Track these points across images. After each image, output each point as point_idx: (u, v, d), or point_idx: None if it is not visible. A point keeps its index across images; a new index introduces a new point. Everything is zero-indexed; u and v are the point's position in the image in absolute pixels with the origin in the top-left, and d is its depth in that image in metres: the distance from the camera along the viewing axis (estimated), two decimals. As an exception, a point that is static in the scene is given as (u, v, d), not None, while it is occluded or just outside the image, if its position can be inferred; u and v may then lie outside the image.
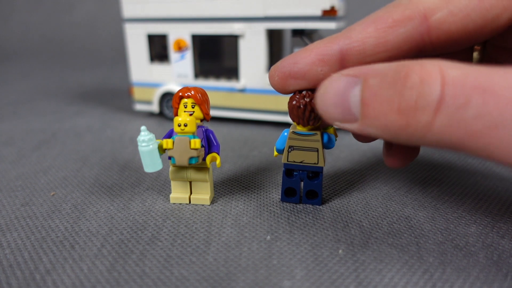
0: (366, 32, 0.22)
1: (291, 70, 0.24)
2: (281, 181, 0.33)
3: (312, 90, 0.25)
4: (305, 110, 0.25)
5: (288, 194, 0.30)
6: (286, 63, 0.24)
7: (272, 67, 0.25)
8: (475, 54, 0.27)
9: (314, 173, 0.29)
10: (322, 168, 0.28)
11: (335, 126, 0.21)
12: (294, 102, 0.25)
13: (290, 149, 0.28)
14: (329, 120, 0.21)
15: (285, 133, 0.28)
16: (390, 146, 0.28)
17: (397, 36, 0.21)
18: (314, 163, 0.28)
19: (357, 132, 0.19)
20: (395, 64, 0.18)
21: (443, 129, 0.16)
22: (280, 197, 0.31)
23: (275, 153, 0.29)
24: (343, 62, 0.23)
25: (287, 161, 0.28)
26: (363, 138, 0.28)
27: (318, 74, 0.24)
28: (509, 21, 0.20)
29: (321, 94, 0.21)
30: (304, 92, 0.25)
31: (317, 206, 0.29)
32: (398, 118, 0.17)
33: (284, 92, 0.26)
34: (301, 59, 0.24)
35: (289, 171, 0.29)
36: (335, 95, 0.20)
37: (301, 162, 0.28)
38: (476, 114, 0.15)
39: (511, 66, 0.16)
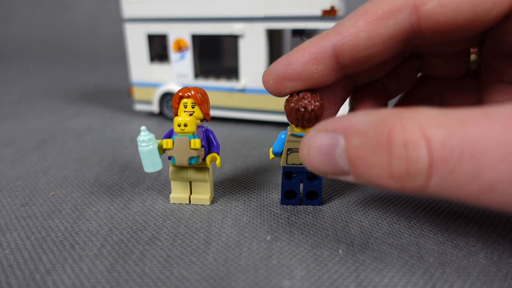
0: (357, 26, 0.21)
1: (286, 72, 0.24)
2: (281, 181, 0.33)
3: (309, 90, 0.25)
4: (305, 112, 0.25)
5: (288, 197, 0.30)
6: (280, 65, 0.24)
7: (266, 71, 0.25)
8: (473, 56, 0.27)
9: (314, 174, 0.29)
10: (322, 168, 0.28)
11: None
12: (292, 105, 0.25)
13: (289, 152, 0.27)
14: (322, 175, 0.20)
15: (282, 136, 0.28)
16: None
17: (388, 28, 0.21)
18: None
19: (354, 183, 0.19)
20: (373, 120, 0.17)
21: (439, 190, 0.16)
22: (280, 199, 0.31)
23: (271, 155, 0.29)
24: (337, 59, 0.23)
25: (286, 163, 0.28)
26: None
27: (313, 74, 0.23)
28: (500, 15, 0.20)
29: (305, 154, 0.20)
30: (301, 94, 0.25)
31: (317, 206, 0.29)
32: (393, 182, 0.17)
33: (279, 95, 0.25)
34: (295, 60, 0.23)
35: (288, 173, 0.29)
36: (320, 154, 0.19)
37: (300, 164, 0.28)
38: (469, 178, 0.15)
39: (497, 112, 0.15)
